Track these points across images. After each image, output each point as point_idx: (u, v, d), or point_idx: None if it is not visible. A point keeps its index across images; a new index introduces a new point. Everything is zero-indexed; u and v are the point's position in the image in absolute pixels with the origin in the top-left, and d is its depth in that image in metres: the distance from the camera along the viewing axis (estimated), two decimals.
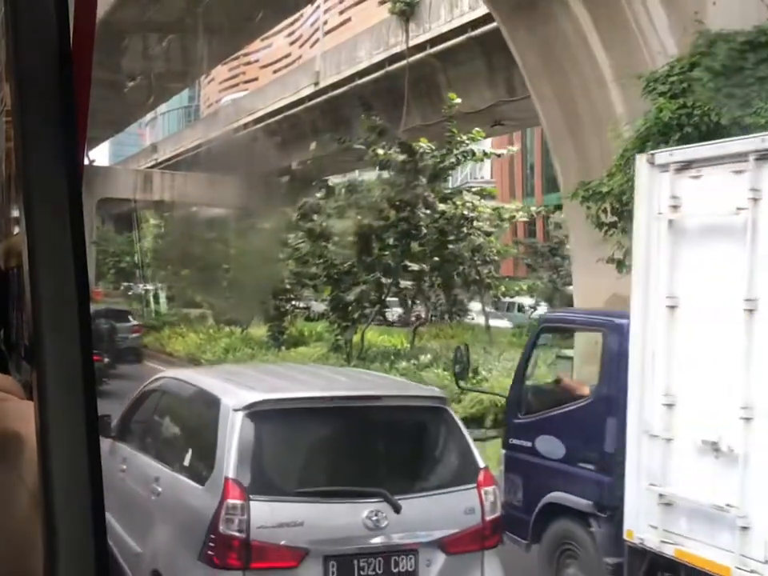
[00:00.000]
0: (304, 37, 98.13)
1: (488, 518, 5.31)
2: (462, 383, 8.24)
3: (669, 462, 5.64)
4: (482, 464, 5.50)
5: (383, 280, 17.39)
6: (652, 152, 5.99)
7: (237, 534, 4.73)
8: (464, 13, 22.25)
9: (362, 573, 4.94)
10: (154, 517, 5.65)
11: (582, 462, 6.53)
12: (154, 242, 37.41)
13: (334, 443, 5.59)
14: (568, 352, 9.24)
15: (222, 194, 37.81)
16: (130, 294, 37.66)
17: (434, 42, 23.68)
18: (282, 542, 4.80)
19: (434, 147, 17.23)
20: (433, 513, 5.21)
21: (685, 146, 6.30)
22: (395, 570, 5.01)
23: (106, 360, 17.93)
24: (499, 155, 18.56)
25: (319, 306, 22.94)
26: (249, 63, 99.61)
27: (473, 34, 21.87)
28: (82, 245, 0.81)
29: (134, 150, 74.28)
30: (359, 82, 28.16)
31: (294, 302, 24.26)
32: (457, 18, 22.54)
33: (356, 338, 18.76)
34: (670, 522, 5.61)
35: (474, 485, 5.33)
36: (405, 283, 17.64)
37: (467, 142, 17.00)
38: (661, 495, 5.63)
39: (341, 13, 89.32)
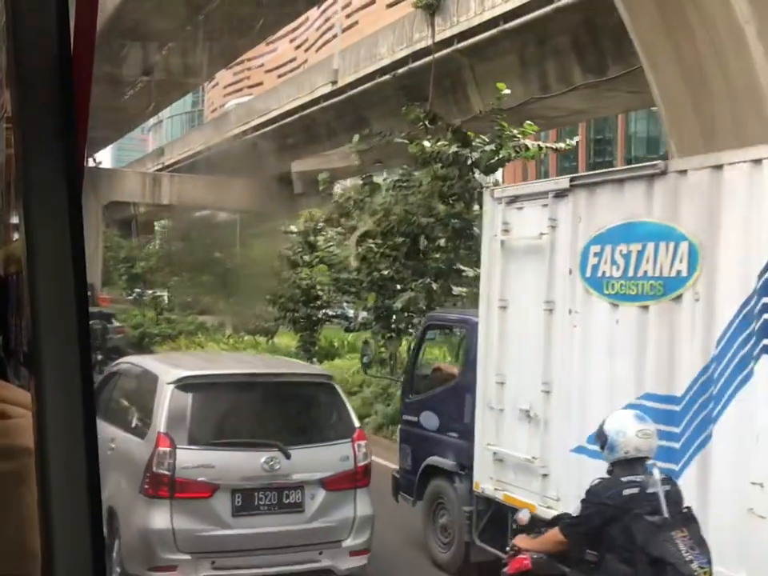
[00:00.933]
0: (310, 41, 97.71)
1: (360, 464, 6.99)
2: (368, 371, 9.95)
3: (500, 427, 7.31)
4: (357, 424, 7.24)
5: (434, 286, 15.17)
6: (492, 187, 7.68)
7: (165, 472, 6.44)
8: (496, 5, 20.82)
9: (260, 503, 6.65)
10: (109, 467, 7.28)
11: (449, 432, 8.18)
12: (166, 247, 35.73)
13: (241, 407, 7.31)
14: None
15: (234, 196, 37.22)
16: (142, 299, 35.23)
17: (462, 36, 22.21)
18: (200, 479, 6.50)
19: (486, 139, 15.24)
20: (316, 459, 6.88)
21: (515, 185, 7.97)
22: (286, 502, 6.70)
23: (99, 357, 19.62)
24: (556, 149, 16.56)
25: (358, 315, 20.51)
26: (253, 68, 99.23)
27: (506, 26, 20.43)
28: (82, 251, 0.80)
29: (137, 155, 73.46)
30: (380, 79, 26.54)
31: (326, 311, 22.50)
32: (488, 10, 21.11)
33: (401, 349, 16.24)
34: (501, 474, 7.28)
35: (350, 440, 7.02)
36: (458, 290, 15.02)
37: (518, 136, 14.81)
38: (495, 453, 7.30)
39: (348, 16, 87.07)
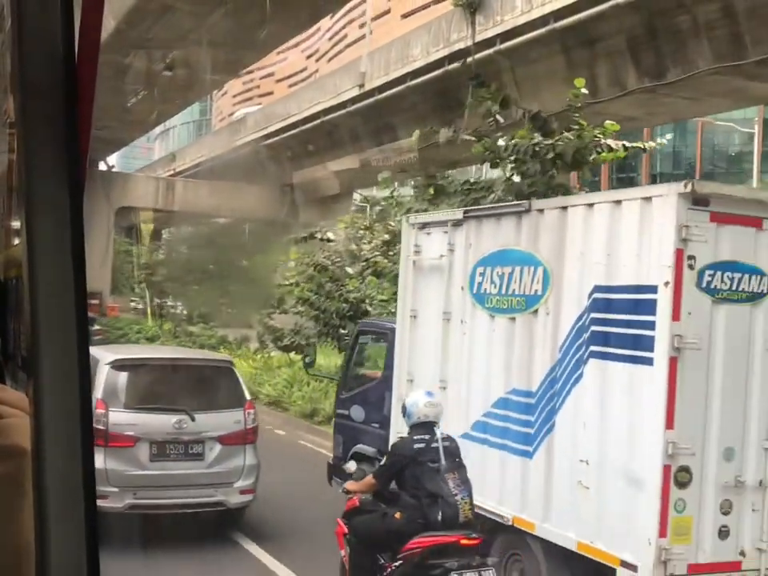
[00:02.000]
0: (321, 50, 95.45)
1: (248, 426, 9.22)
2: (309, 370, 11.30)
3: None
4: (248, 397, 9.56)
5: None
6: (408, 215, 9.04)
7: (101, 427, 8.32)
8: (545, 2, 19.08)
9: (170, 452, 8.82)
10: None
11: (372, 423, 9.48)
12: (183, 254, 33.64)
13: (160, 382, 9.49)
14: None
15: (250, 203, 36.34)
16: (162, 310, 33.28)
17: (505, 36, 20.57)
18: (126, 433, 8.59)
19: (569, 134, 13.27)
20: (214, 422, 9.09)
21: (425, 213, 9.34)
22: (190, 452, 8.91)
23: None
24: (645, 149, 14.68)
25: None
26: (263, 77, 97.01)
27: (555, 26, 18.71)
28: (82, 257, 0.81)
29: (141, 164, 71.57)
30: (411, 83, 24.77)
31: None
32: (537, 8, 19.43)
33: None
34: None
35: (242, 408, 9.29)
36: None
37: (599, 135, 13.13)
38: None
39: (360, 27, 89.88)
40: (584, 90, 13.04)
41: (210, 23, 25.99)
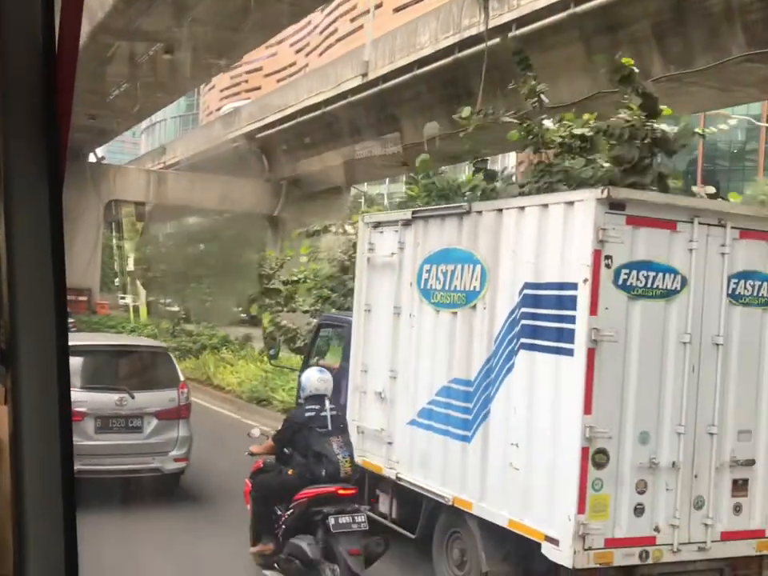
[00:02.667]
0: (312, 45, 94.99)
1: (182, 404, 10.54)
2: (273, 362, 11.79)
3: (362, 406, 9.13)
4: (182, 379, 10.82)
5: None
6: (363, 215, 9.52)
7: None
8: None
9: (113, 425, 10.03)
10: None
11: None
12: (178, 250, 31.70)
13: (105, 365, 10.59)
14: None
15: (245, 197, 35.20)
16: (164, 308, 31.33)
17: (521, 22, 19.43)
18: (75, 409, 9.22)
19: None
20: (152, 399, 10.33)
21: (379, 213, 9.82)
22: (130, 425, 10.18)
23: None
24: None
25: None
26: (251, 71, 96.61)
27: (576, 10, 17.78)
28: (61, 250, 0.83)
29: (126, 159, 69.73)
30: (418, 72, 23.59)
31: None
32: None
33: None
34: (361, 443, 9.08)
35: (176, 388, 10.58)
36: None
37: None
38: (358, 427, 9.12)
39: (352, 20, 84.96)
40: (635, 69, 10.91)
41: (197, 13, 24.48)
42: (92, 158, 39.79)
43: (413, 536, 8.28)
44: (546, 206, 6.79)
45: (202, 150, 40.68)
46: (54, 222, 0.83)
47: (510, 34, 19.60)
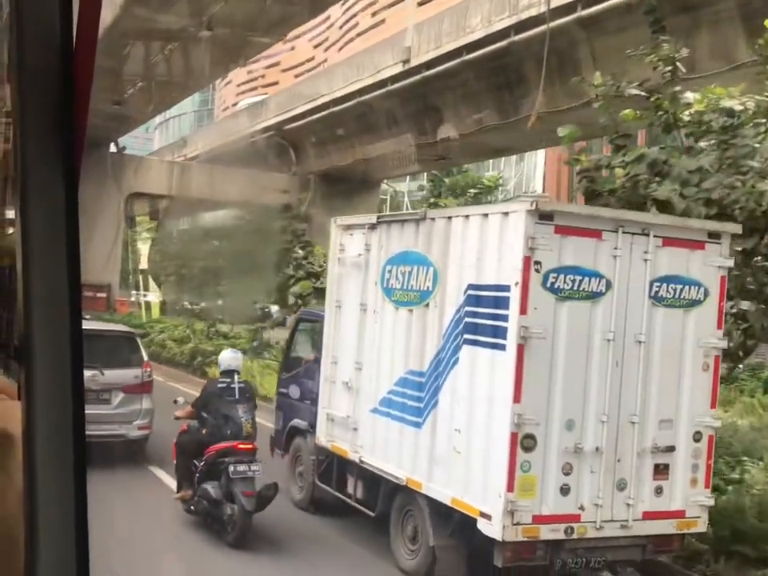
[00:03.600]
0: (331, 39, 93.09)
1: (145, 380, 12.07)
2: (257, 355, 12.57)
3: (332, 395, 9.87)
4: (146, 359, 12.46)
5: None
6: (336, 218, 10.25)
7: None
8: None
9: (87, 398, 11.49)
10: None
11: (306, 400, 10.73)
12: (200, 246, 29.25)
13: None
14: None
15: (272, 191, 32.92)
16: (192, 308, 28.42)
17: (587, 1, 17.81)
18: None
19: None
20: (119, 376, 11.82)
21: (349, 216, 10.54)
22: (100, 398, 11.45)
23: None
24: None
25: None
26: (269, 66, 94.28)
27: None
28: (77, 247, 0.80)
29: (140, 155, 69.43)
30: (467, 57, 21.67)
31: None
32: None
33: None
34: (331, 429, 9.83)
35: (141, 367, 12.19)
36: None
37: None
38: (328, 414, 9.86)
39: (373, 15, 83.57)
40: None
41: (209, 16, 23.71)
42: (112, 149, 37.65)
43: (373, 514, 9.02)
44: (486, 215, 7.51)
45: (225, 142, 38.18)
46: (69, 218, 0.81)
47: (575, 15, 17.92)
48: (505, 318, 7.09)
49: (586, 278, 7.17)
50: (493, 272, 7.31)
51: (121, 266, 37.38)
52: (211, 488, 8.94)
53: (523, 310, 6.95)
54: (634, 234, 7.35)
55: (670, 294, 7.48)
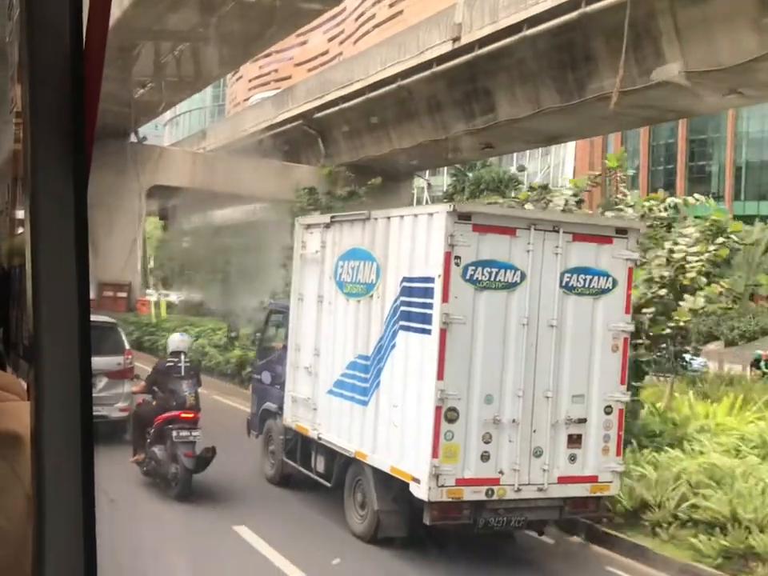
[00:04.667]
0: (347, 32, 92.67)
1: (127, 367, 13.25)
2: (234, 344, 13.61)
3: (296, 379, 10.88)
4: (127, 347, 13.79)
5: None
6: (298, 217, 11.25)
7: None
8: None
9: None
10: None
11: (276, 384, 11.73)
12: (214, 244, 28.15)
13: None
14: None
15: (299, 184, 30.03)
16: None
17: None
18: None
19: None
20: (104, 363, 12.55)
21: (311, 216, 11.54)
22: None
23: None
24: None
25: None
26: (282, 61, 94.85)
27: None
28: (86, 247, 0.80)
29: None
30: (527, 32, 19.75)
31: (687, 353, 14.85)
32: None
33: None
34: (295, 410, 10.84)
35: (122, 355, 13.46)
36: None
37: None
38: (292, 396, 10.87)
39: (391, 5, 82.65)
40: None
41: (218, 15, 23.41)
42: (132, 139, 35.54)
43: (329, 485, 10.03)
44: (416, 215, 8.50)
45: (248, 133, 36.39)
46: (78, 218, 0.80)
47: None
48: (430, 306, 8.08)
49: (502, 270, 8.14)
50: (422, 266, 8.30)
51: (142, 264, 35.91)
52: (158, 451, 10.37)
53: (445, 299, 7.94)
54: (545, 230, 8.32)
55: (579, 283, 8.45)
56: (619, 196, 13.04)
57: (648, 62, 16.89)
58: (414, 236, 8.48)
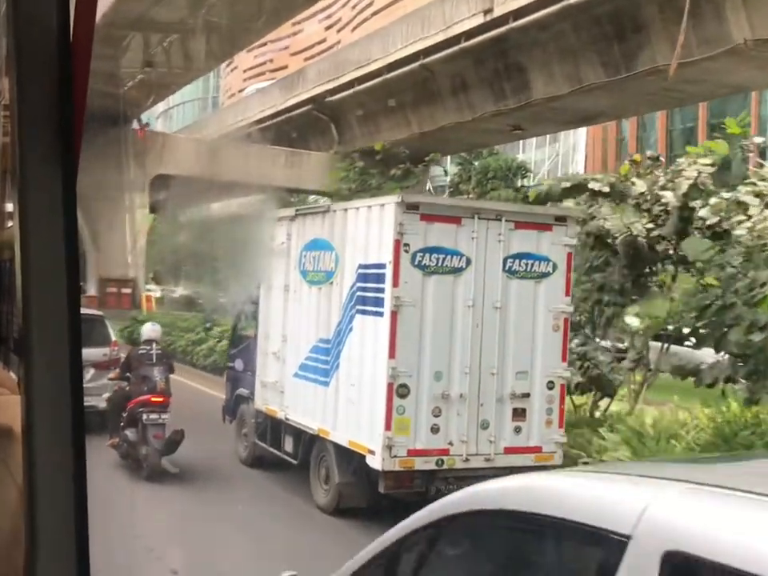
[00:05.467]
0: (344, 20, 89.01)
1: (113, 357, 13.45)
2: (209, 333, 14.25)
3: (266, 364, 11.51)
4: (113, 339, 14.11)
5: None
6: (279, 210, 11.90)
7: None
8: None
9: None
10: None
11: (248, 371, 12.35)
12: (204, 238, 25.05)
13: None
14: None
15: (311, 172, 30.34)
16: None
17: None
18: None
19: None
20: (91, 354, 12.66)
21: (289, 208, 12.18)
22: None
23: None
24: None
25: None
26: (277, 50, 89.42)
27: None
28: (75, 240, 0.80)
29: None
30: (571, 1, 18.24)
31: None
32: None
33: None
34: (265, 394, 11.47)
35: (108, 347, 13.79)
36: None
37: None
38: (262, 381, 11.50)
39: None
40: None
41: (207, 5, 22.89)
42: (135, 125, 34.02)
43: (296, 462, 10.66)
44: (370, 207, 9.15)
45: (253, 120, 34.56)
46: (67, 209, 0.80)
47: None
48: (383, 291, 8.73)
49: (449, 256, 8.79)
50: (375, 253, 8.94)
51: (146, 259, 33.95)
52: (130, 433, 10.97)
53: (395, 283, 8.59)
54: (489, 219, 8.97)
55: (522, 267, 9.11)
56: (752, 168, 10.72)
57: (708, 30, 15.18)
58: (368, 226, 9.12)
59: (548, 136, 45.25)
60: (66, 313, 0.81)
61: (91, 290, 31.28)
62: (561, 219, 9.28)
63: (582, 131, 43.31)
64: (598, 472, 2.64)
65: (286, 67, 79.22)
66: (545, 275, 9.22)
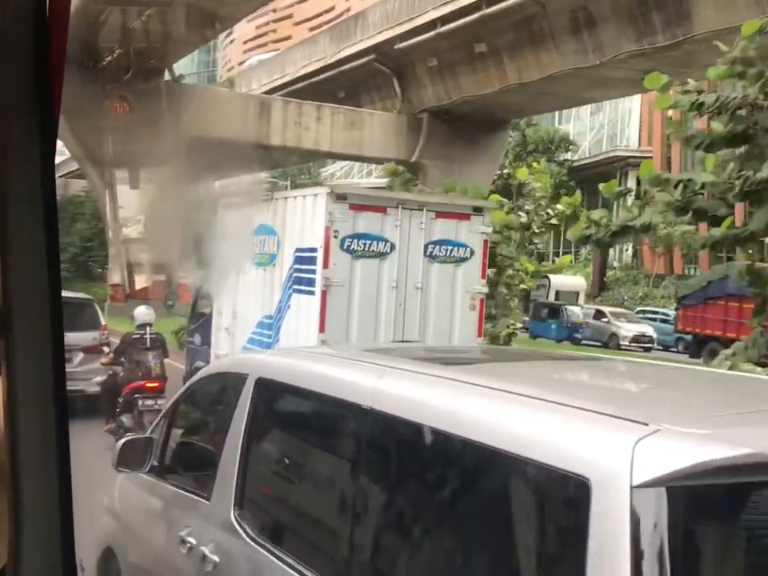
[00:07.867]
0: None
1: (102, 342, 13.31)
2: (171, 311, 15.25)
3: (219, 339, 12.55)
4: (103, 323, 13.68)
5: None
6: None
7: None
8: None
9: None
10: None
11: (205, 345, 13.39)
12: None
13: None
14: None
15: (375, 135, 26.63)
16: None
17: None
18: None
19: None
20: (80, 338, 12.72)
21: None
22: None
23: None
24: None
25: None
26: (280, 20, 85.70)
27: None
28: (55, 220, 0.78)
29: None
30: None
31: None
32: None
33: None
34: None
35: (98, 330, 13.39)
36: None
37: None
38: (216, 354, 12.53)
39: None
40: None
41: None
42: (167, 77, 28.37)
43: None
44: (305, 196, 10.17)
45: (303, 73, 30.25)
46: (45, 187, 0.78)
47: None
48: (315, 272, 9.76)
49: (375, 242, 9.83)
50: (309, 238, 9.98)
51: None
52: (125, 419, 10.82)
53: (326, 266, 9.62)
54: (412, 209, 10.01)
55: (442, 253, 10.15)
56: None
57: None
58: (303, 214, 10.14)
59: (590, 105, 38.38)
60: (47, 294, 0.82)
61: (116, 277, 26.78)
62: (478, 209, 10.32)
63: (637, 97, 35.72)
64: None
65: (289, 37, 74.54)
66: (463, 260, 10.27)
